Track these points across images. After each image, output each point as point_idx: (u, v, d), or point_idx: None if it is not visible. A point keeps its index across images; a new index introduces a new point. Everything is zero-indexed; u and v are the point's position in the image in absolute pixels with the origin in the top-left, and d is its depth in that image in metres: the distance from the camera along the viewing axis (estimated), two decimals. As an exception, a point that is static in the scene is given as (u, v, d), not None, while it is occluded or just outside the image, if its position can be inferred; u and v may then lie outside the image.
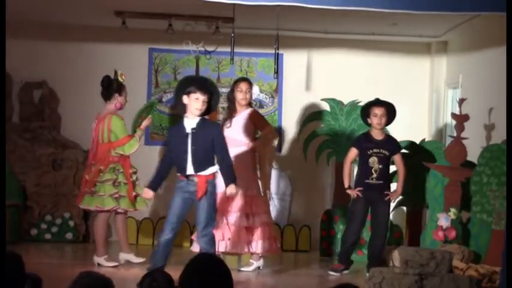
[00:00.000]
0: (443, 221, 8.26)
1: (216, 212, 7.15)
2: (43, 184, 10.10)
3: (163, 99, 10.68)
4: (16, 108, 10.60)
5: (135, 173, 8.42)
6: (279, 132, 10.74)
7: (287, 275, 8.57)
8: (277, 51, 8.44)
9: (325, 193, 10.63)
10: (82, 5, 9.24)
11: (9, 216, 9.32)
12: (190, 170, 6.84)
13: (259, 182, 8.31)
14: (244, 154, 8.17)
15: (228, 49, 8.66)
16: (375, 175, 8.35)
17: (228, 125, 8.27)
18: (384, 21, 9.34)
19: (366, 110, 8.51)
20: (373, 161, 8.36)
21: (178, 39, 9.99)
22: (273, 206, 10.19)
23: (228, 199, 8.02)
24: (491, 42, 8.82)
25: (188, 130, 6.84)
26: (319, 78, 10.76)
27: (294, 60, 10.71)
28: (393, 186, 8.65)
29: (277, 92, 10.81)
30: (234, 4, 7.24)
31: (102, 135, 8.34)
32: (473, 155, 8.41)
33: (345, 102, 10.16)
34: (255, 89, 8.56)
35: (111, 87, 8.37)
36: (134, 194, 8.32)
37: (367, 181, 8.36)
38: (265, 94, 10.81)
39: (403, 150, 8.86)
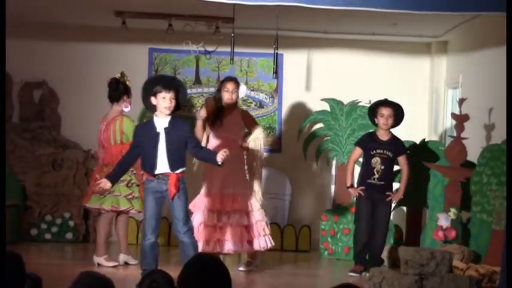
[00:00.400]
0: (443, 221, 8.25)
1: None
2: (43, 184, 10.10)
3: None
4: (16, 108, 10.60)
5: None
6: (279, 132, 10.75)
7: (287, 275, 8.57)
8: (276, 51, 8.44)
9: (325, 193, 10.63)
10: (82, 5, 9.24)
11: (9, 216, 9.32)
12: (161, 168, 6.89)
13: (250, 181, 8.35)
14: (236, 153, 8.19)
15: (228, 49, 8.66)
16: (376, 175, 8.35)
17: (219, 124, 8.24)
18: (384, 21, 9.33)
19: (374, 109, 8.48)
20: (376, 161, 8.36)
21: (178, 39, 9.98)
22: (272, 206, 10.21)
23: (224, 199, 8.04)
24: (491, 42, 8.81)
25: (160, 129, 6.92)
26: (319, 78, 10.76)
27: (294, 60, 10.71)
28: (396, 186, 8.64)
29: (277, 92, 10.81)
30: (234, 4, 7.25)
31: (114, 136, 8.36)
32: (473, 155, 8.41)
33: (345, 102, 10.16)
34: (242, 89, 8.50)
35: (119, 89, 8.39)
36: None
37: (369, 181, 8.37)
38: (265, 94, 10.81)
39: (403, 150, 8.87)
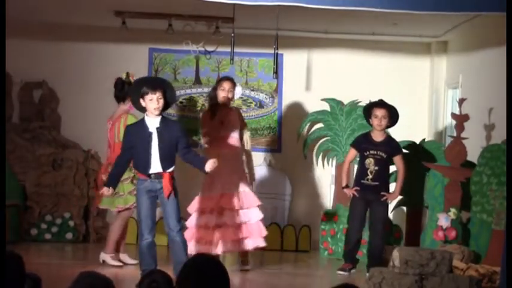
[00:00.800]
0: (443, 221, 8.25)
1: None
2: (43, 184, 10.10)
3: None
4: (16, 108, 10.59)
5: None
6: (279, 132, 10.74)
7: (287, 275, 8.56)
8: (276, 51, 8.44)
9: (325, 193, 10.63)
10: (82, 5, 9.24)
11: (9, 216, 9.32)
12: (155, 168, 6.95)
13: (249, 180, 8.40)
14: (237, 151, 8.23)
15: (228, 49, 8.67)
16: (370, 176, 8.37)
17: (219, 122, 8.26)
18: (384, 21, 9.33)
19: (368, 110, 8.51)
20: (369, 162, 8.37)
21: (178, 39, 9.98)
22: (271, 206, 10.21)
23: (223, 198, 8.05)
24: (491, 42, 8.81)
25: (152, 129, 6.98)
26: (319, 78, 10.75)
27: (294, 60, 10.71)
28: (392, 186, 8.65)
29: (277, 92, 10.81)
30: (234, 4, 7.24)
31: (118, 134, 8.38)
32: (473, 155, 8.41)
33: (345, 102, 10.16)
34: (238, 90, 8.53)
35: (124, 89, 8.42)
36: None
37: (362, 181, 8.40)
38: (265, 94, 10.81)
39: (403, 150, 8.86)
